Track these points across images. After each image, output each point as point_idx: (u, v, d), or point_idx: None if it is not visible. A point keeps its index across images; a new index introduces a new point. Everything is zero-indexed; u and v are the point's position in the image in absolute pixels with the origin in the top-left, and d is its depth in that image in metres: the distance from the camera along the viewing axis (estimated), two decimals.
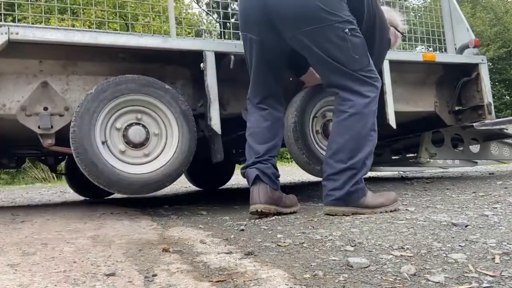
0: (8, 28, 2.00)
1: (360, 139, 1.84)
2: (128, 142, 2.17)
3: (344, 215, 1.80)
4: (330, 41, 1.84)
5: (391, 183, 3.59)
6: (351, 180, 1.81)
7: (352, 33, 1.86)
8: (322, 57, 1.87)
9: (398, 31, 2.34)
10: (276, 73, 2.08)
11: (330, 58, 1.86)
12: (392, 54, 2.92)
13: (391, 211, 1.87)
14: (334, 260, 1.09)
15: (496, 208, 1.84)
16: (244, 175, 2.04)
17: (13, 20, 2.69)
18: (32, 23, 2.83)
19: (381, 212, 1.84)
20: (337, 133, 1.88)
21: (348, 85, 1.88)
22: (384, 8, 2.23)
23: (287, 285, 0.88)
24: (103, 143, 2.11)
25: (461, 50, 3.29)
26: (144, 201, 3.34)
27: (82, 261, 1.15)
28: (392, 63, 2.77)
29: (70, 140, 2.04)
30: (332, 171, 1.85)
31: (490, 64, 18.53)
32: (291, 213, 1.99)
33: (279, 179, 2.03)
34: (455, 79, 3.20)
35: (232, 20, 4.19)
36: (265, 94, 2.08)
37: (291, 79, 2.64)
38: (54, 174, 7.89)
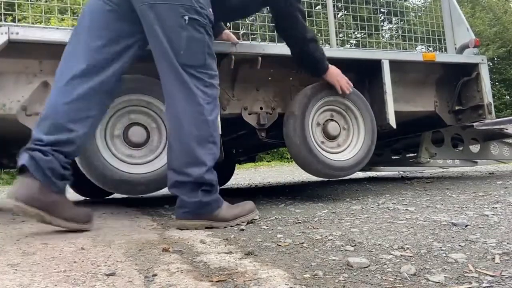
0: (8, 28, 2.00)
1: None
2: (129, 143, 2.17)
3: (196, 229, 1.65)
4: (171, 21, 1.64)
5: (391, 183, 3.59)
6: (200, 191, 1.66)
7: (192, 24, 1.66)
8: (159, 36, 1.66)
9: None
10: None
11: (166, 41, 1.65)
12: (392, 54, 2.92)
13: (248, 222, 1.74)
14: (334, 260, 1.09)
15: (496, 208, 1.84)
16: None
17: (13, 20, 2.69)
18: (32, 23, 2.83)
19: (237, 224, 1.70)
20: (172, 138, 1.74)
21: (171, 80, 1.68)
22: None
23: (287, 285, 0.88)
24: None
25: (461, 50, 3.29)
26: (144, 201, 3.34)
27: (82, 261, 1.15)
28: (392, 63, 2.77)
29: None
30: (177, 179, 1.68)
31: (490, 64, 18.54)
32: (67, 228, 1.57)
33: (68, 181, 1.60)
34: (455, 79, 3.20)
35: None
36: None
37: (291, 79, 2.65)
38: None
